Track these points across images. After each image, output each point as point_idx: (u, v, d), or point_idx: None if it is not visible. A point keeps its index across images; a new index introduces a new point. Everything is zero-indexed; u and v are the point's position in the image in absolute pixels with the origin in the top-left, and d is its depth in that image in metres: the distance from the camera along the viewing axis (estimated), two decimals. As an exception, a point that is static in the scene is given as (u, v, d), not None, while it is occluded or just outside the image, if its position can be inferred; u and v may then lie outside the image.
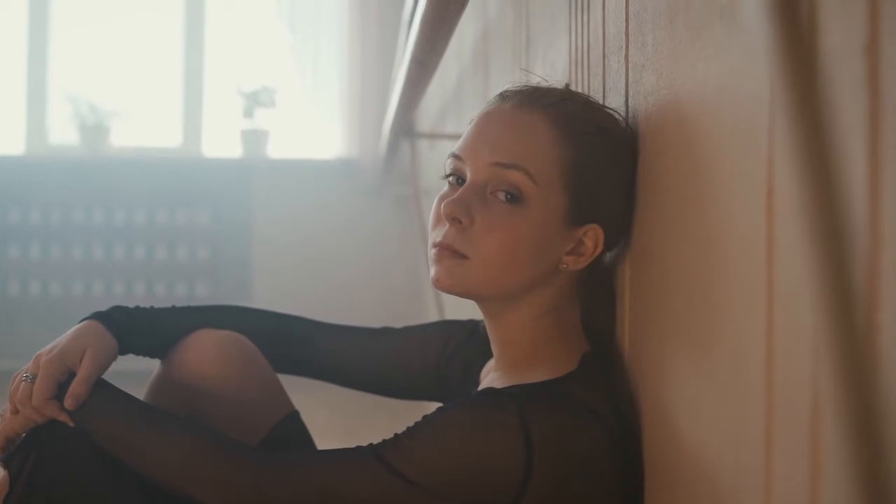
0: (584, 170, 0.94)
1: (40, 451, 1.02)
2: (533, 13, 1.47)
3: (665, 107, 0.84)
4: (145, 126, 4.47)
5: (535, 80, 1.03)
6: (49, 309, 4.20)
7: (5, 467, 1.03)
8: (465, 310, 1.38)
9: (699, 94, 0.75)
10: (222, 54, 4.49)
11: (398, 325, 1.29)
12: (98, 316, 1.11)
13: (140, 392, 1.15)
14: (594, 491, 0.90)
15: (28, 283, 4.27)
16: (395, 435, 0.92)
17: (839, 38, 0.51)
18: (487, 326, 1.03)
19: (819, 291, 0.45)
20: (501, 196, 0.94)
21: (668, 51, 0.82)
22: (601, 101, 1.02)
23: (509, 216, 0.93)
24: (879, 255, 0.47)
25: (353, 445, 0.94)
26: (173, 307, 1.21)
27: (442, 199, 0.97)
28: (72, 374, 1.04)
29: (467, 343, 1.19)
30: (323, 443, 1.21)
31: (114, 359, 1.09)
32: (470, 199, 0.95)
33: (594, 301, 1.03)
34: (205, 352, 1.16)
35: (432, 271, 0.97)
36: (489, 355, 1.09)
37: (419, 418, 0.92)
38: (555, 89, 0.99)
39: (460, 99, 2.49)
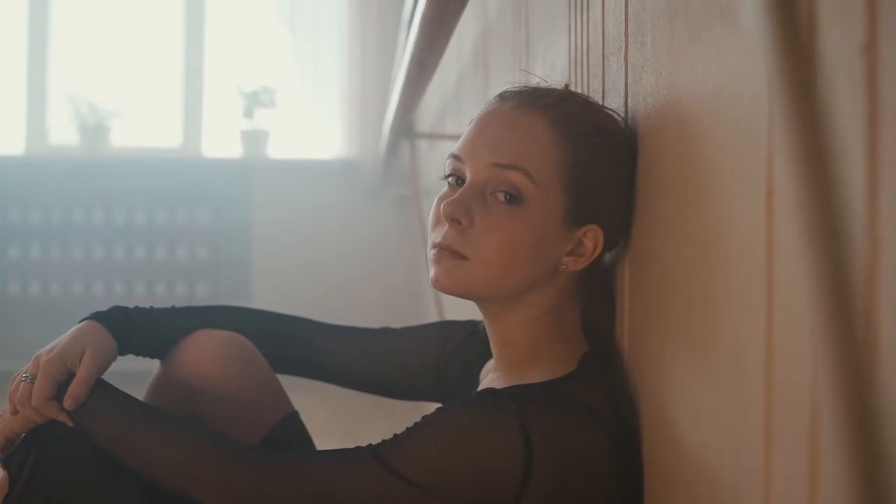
0: (583, 170, 0.94)
1: (40, 451, 1.02)
2: (532, 13, 1.47)
3: (664, 107, 0.84)
4: (145, 126, 4.47)
5: (535, 81, 1.03)
6: (49, 309, 4.20)
7: (5, 467, 1.03)
8: (464, 310, 1.38)
9: (698, 95, 0.75)
10: (222, 54, 4.49)
11: (398, 325, 1.28)
12: (97, 316, 1.11)
13: (140, 392, 1.15)
14: (594, 491, 0.90)
15: (28, 283, 4.27)
16: (395, 435, 0.92)
17: (838, 38, 0.51)
18: (487, 327, 1.03)
19: (818, 291, 0.45)
20: (501, 197, 0.94)
21: (668, 51, 0.82)
22: (600, 102, 1.02)
23: (509, 217, 0.93)
24: (878, 256, 0.47)
25: (352, 445, 0.94)
26: (173, 307, 1.21)
27: (441, 199, 0.97)
28: (71, 375, 1.04)
29: (467, 343, 1.19)
30: (323, 443, 1.21)
31: (113, 359, 1.09)
32: (469, 200, 0.95)
33: (594, 301, 1.03)
34: (205, 352, 1.16)
35: (432, 272, 0.97)
36: (489, 355, 1.09)
37: (418, 418, 0.92)
38: (554, 90, 0.99)
39: (460, 99, 2.49)
